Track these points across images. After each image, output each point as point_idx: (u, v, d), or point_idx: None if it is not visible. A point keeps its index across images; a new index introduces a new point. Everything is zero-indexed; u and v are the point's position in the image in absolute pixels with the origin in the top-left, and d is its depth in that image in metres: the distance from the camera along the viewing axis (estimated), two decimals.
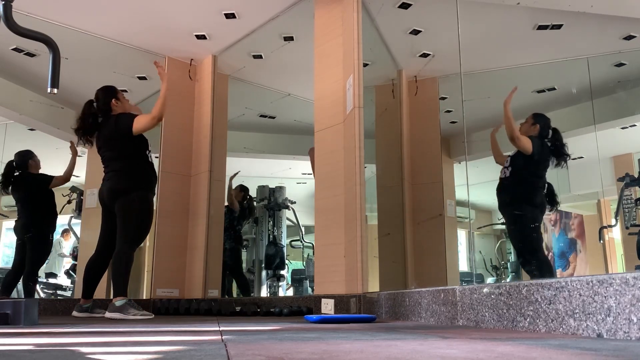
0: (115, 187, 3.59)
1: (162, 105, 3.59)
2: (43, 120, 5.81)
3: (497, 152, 4.36)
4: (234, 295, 6.48)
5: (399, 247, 4.59)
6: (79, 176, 6.10)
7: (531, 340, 1.24)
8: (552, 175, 5.94)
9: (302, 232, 7.88)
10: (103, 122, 3.71)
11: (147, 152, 3.72)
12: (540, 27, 4.29)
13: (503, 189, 4.12)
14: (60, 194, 6.33)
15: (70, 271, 7.30)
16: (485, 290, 1.82)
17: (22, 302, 2.36)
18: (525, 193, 4.04)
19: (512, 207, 4.08)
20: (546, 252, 6.52)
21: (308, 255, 7.97)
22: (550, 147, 4.06)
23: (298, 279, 7.77)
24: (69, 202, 6.60)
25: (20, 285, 5.23)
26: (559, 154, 4.04)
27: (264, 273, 6.88)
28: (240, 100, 5.84)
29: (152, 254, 4.84)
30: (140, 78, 5.47)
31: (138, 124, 3.60)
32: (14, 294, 5.16)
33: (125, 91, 5.72)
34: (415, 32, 4.42)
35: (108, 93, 3.77)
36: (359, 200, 3.27)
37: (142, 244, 3.74)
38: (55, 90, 2.26)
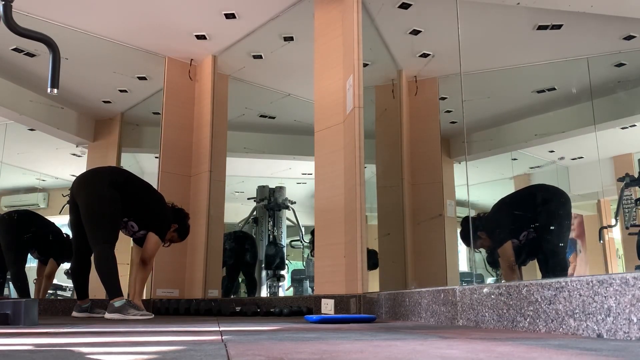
0: None
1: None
2: (43, 120, 5.81)
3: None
4: (241, 294, 6.55)
5: (399, 247, 4.59)
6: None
7: (531, 341, 1.24)
8: (552, 174, 5.95)
9: (302, 232, 7.87)
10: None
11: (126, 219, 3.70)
12: (540, 27, 4.29)
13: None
14: (60, 194, 6.35)
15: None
16: (485, 290, 1.81)
17: (22, 302, 2.36)
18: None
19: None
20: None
21: (308, 255, 7.96)
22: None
23: (298, 279, 7.77)
24: (69, 202, 6.60)
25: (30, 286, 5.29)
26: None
27: (263, 273, 6.88)
28: (240, 100, 5.84)
29: None
30: (140, 78, 5.48)
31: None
32: (15, 295, 5.17)
33: (125, 91, 5.73)
34: (415, 32, 4.41)
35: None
36: (359, 200, 3.27)
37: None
38: (55, 91, 2.26)
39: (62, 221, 5.47)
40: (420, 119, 4.97)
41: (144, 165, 6.67)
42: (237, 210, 7.43)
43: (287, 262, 7.41)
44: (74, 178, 3.72)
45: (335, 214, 3.55)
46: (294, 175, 7.74)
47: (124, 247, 4.62)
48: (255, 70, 5.35)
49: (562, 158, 5.82)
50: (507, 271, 4.12)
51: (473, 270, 5.79)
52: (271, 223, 7.05)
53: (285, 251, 7.18)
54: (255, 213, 7.14)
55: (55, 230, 5.37)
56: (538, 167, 5.91)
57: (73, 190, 3.60)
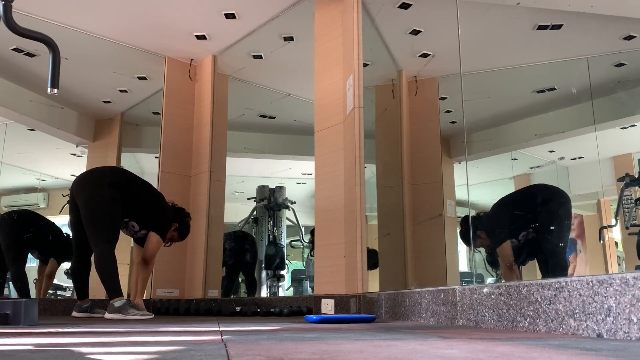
0: None
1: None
2: (43, 120, 5.81)
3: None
4: (241, 294, 6.55)
5: (399, 247, 4.59)
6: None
7: (531, 341, 1.24)
8: (552, 174, 5.94)
9: (302, 232, 7.88)
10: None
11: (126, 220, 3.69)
12: (540, 27, 4.29)
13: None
14: (60, 194, 6.36)
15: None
16: (485, 290, 1.81)
17: (22, 302, 2.36)
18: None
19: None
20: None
21: (308, 255, 7.96)
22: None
23: (298, 279, 7.77)
24: (69, 202, 6.61)
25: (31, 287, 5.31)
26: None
27: (263, 273, 6.88)
28: (240, 100, 5.84)
29: None
30: (140, 78, 5.48)
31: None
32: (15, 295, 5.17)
33: (125, 91, 5.73)
34: (415, 32, 4.41)
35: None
36: (359, 200, 3.27)
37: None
38: (55, 91, 2.26)
39: (62, 221, 5.48)
40: (420, 119, 4.97)
41: (144, 165, 6.67)
42: (237, 210, 7.43)
43: (287, 262, 7.41)
44: (74, 178, 3.72)
45: (335, 214, 3.55)
46: (294, 175, 7.74)
47: (124, 247, 4.62)
48: (255, 70, 5.35)
49: (562, 158, 5.82)
50: (506, 271, 4.12)
51: (473, 270, 5.79)
52: (271, 223, 7.05)
53: (285, 251, 7.18)
54: (255, 213, 7.14)
55: (56, 230, 5.38)
56: (538, 167, 5.90)
57: (73, 191, 3.60)
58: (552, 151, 5.81)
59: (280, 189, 7.29)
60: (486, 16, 4.24)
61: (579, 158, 5.75)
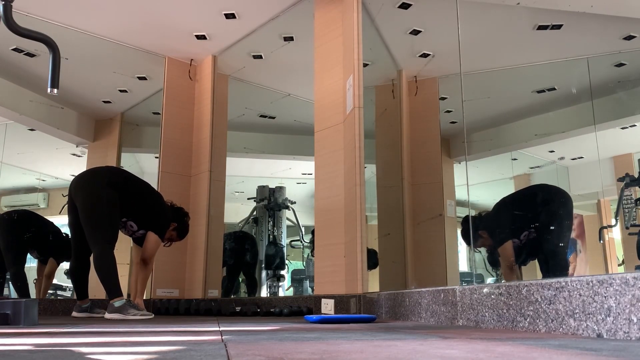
0: None
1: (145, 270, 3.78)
2: (43, 120, 5.81)
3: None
4: (241, 294, 6.55)
5: (399, 247, 4.59)
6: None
7: (531, 341, 1.24)
8: (552, 174, 5.94)
9: (302, 232, 7.88)
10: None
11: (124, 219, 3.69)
12: (540, 27, 4.29)
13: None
14: (60, 194, 6.36)
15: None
16: (485, 290, 1.81)
17: (22, 302, 2.36)
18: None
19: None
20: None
21: (308, 255, 7.96)
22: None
23: (298, 279, 7.77)
24: (67, 203, 6.61)
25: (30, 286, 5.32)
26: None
27: (263, 273, 6.89)
28: (240, 100, 5.84)
29: None
30: (140, 78, 5.48)
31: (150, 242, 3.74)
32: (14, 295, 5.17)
33: (125, 91, 5.73)
34: (415, 32, 4.41)
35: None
36: (359, 200, 3.27)
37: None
38: (55, 91, 2.26)
39: (61, 221, 5.47)
40: (420, 119, 4.97)
41: (144, 165, 6.67)
42: (237, 210, 7.43)
43: (287, 262, 7.41)
44: (73, 178, 3.72)
45: (335, 214, 3.55)
46: (294, 175, 7.74)
47: (124, 247, 4.62)
48: (255, 70, 5.35)
49: (562, 158, 5.81)
50: (507, 271, 4.13)
51: (473, 270, 5.79)
52: (271, 223, 7.05)
53: (285, 251, 7.18)
54: (255, 213, 7.14)
55: (55, 230, 5.38)
56: (538, 167, 5.90)
57: (71, 191, 3.60)
58: (552, 151, 5.81)
59: (280, 189, 7.29)
60: (486, 16, 4.24)
61: (579, 158, 5.75)
